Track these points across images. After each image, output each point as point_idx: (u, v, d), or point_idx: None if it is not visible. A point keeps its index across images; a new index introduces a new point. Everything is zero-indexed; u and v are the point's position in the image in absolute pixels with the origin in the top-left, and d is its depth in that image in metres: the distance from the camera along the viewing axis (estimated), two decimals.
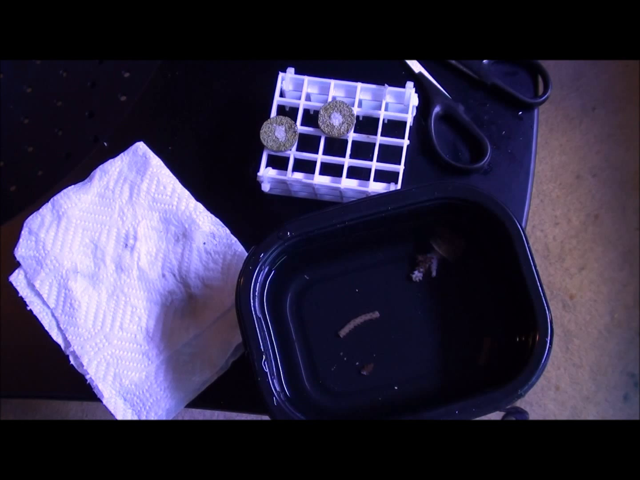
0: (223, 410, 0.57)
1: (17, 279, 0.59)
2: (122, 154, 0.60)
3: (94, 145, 0.62)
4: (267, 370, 0.46)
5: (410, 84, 0.56)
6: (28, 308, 0.58)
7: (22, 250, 0.59)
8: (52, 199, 0.59)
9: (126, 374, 0.55)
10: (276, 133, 0.55)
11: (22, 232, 0.59)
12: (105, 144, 0.62)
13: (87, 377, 0.56)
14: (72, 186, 0.60)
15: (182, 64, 0.63)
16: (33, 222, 0.59)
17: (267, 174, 0.55)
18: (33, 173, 0.64)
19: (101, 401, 0.55)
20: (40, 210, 0.59)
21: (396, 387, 0.50)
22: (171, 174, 0.59)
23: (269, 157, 0.56)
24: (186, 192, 0.58)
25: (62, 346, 0.57)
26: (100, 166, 0.60)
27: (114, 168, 0.59)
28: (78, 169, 0.61)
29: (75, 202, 0.59)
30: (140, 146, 0.60)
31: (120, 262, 0.57)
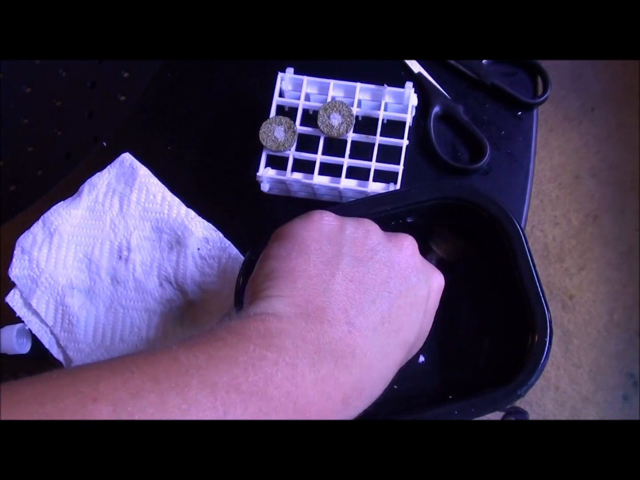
0: None
1: (14, 299, 0.58)
2: (108, 166, 0.59)
3: (94, 145, 0.62)
4: None
5: (409, 84, 0.56)
6: (27, 328, 0.58)
7: (17, 270, 0.58)
8: (42, 217, 0.59)
9: None
10: (275, 133, 0.55)
11: (15, 251, 0.58)
12: (105, 144, 0.62)
13: None
14: (62, 202, 0.59)
15: (182, 64, 0.63)
16: (25, 241, 0.59)
17: (266, 174, 0.55)
18: (33, 173, 0.64)
19: None
20: (32, 228, 0.59)
21: (395, 387, 0.50)
22: (160, 183, 0.59)
23: (268, 157, 0.56)
24: (176, 200, 0.58)
25: (64, 363, 0.57)
26: (88, 180, 0.59)
27: (102, 181, 0.59)
28: (78, 169, 0.61)
29: (66, 218, 0.58)
30: (127, 157, 0.59)
31: (115, 274, 0.57)
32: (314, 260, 0.36)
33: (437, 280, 0.42)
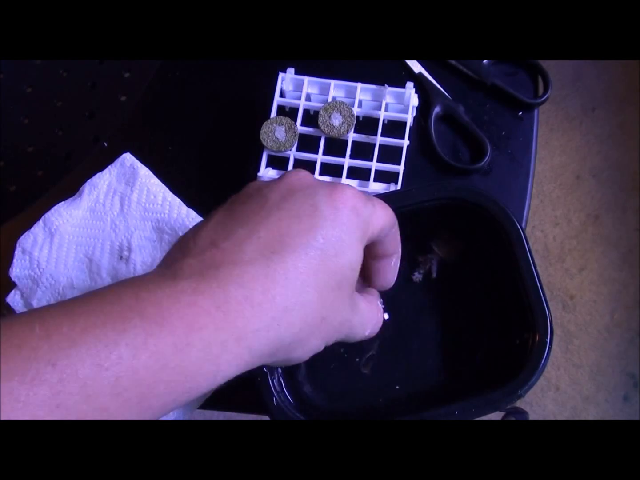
0: (223, 410, 0.57)
1: (14, 300, 0.58)
2: (109, 166, 0.59)
3: (94, 145, 0.62)
4: (267, 371, 0.46)
5: (410, 84, 0.56)
6: None
7: (17, 270, 0.58)
8: (43, 217, 0.59)
9: None
10: (276, 133, 0.55)
11: (16, 252, 0.58)
12: (105, 144, 0.62)
13: None
14: (62, 202, 0.59)
15: (182, 64, 0.63)
16: (25, 241, 0.58)
17: (267, 174, 0.55)
18: (33, 173, 0.64)
19: None
20: (32, 229, 0.59)
21: (396, 387, 0.50)
22: (160, 183, 0.58)
23: (269, 157, 0.56)
24: (177, 200, 0.58)
25: None
26: (89, 180, 0.59)
27: (103, 181, 0.59)
28: (78, 169, 0.61)
29: (67, 218, 0.58)
30: (127, 157, 0.59)
31: (116, 274, 0.57)
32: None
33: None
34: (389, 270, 0.42)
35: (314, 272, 0.32)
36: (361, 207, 0.34)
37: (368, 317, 0.38)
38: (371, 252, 0.40)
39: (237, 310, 0.29)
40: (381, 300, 0.45)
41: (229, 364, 0.30)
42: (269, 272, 0.30)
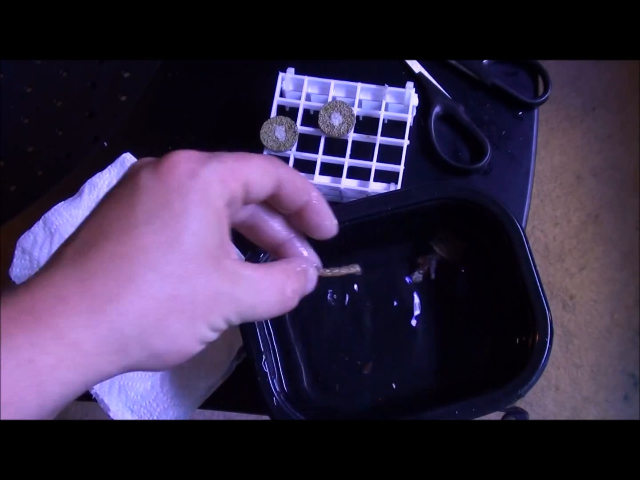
0: (223, 410, 0.57)
1: None
2: (109, 166, 0.59)
3: (94, 145, 0.62)
4: (267, 370, 0.46)
5: (410, 84, 0.56)
6: None
7: (17, 270, 0.58)
8: (42, 217, 0.59)
9: (131, 386, 0.55)
10: (276, 133, 0.55)
11: (16, 251, 0.58)
12: (105, 144, 0.62)
13: (92, 392, 0.55)
14: (62, 202, 0.59)
15: (182, 64, 0.63)
16: (25, 241, 0.58)
17: None
18: (33, 173, 0.64)
19: (108, 415, 0.54)
20: (32, 228, 0.59)
21: (396, 387, 0.50)
22: None
23: None
24: None
25: None
26: (89, 180, 0.59)
27: (103, 181, 0.59)
28: (78, 169, 0.61)
29: (67, 218, 0.58)
30: (127, 157, 0.59)
31: None
32: None
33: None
34: (315, 217, 0.36)
35: (143, 250, 0.30)
36: (198, 167, 0.32)
37: (264, 287, 0.34)
38: (283, 207, 0.36)
39: (47, 310, 0.28)
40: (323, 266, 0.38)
41: (55, 368, 0.28)
42: (85, 267, 0.29)
